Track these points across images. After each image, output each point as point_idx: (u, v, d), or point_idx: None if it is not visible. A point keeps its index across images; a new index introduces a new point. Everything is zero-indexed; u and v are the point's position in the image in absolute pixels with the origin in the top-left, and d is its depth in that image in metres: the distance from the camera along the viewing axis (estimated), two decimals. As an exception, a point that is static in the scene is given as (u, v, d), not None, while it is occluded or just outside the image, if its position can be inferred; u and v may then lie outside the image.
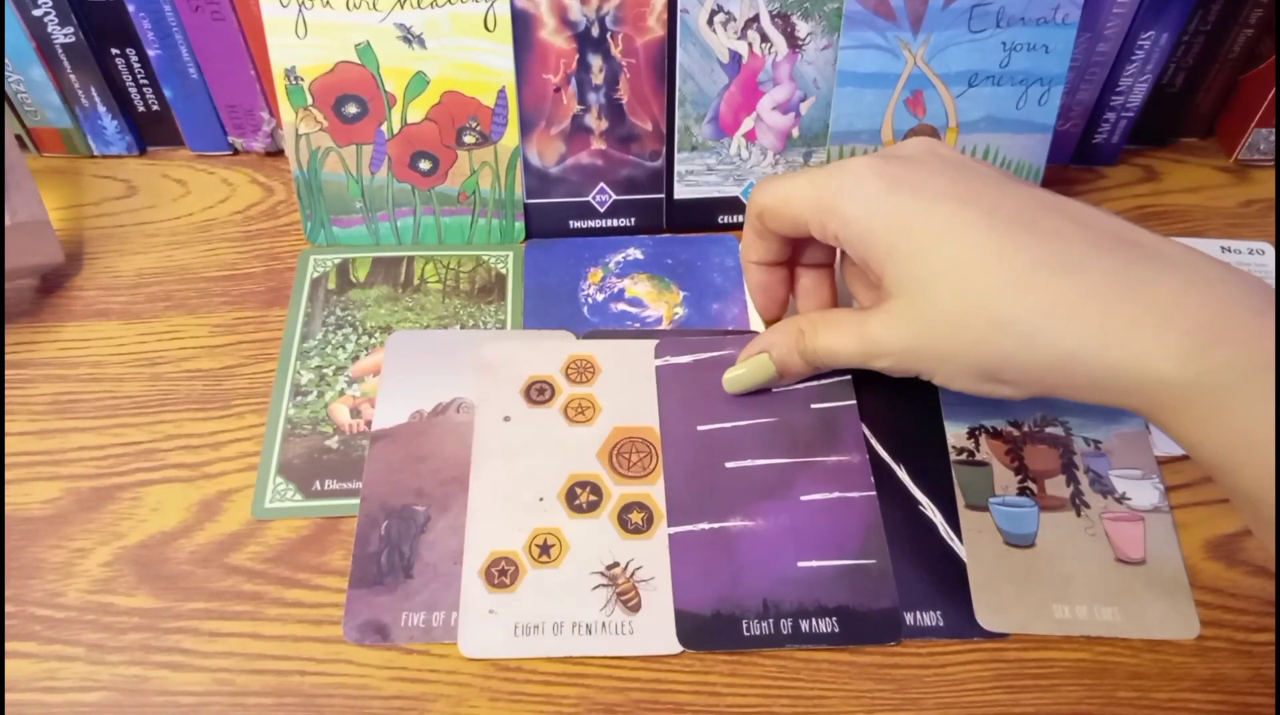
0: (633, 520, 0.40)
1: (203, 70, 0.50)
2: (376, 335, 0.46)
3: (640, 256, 0.50)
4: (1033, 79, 0.47)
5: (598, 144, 0.49)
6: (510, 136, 0.48)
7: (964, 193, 0.33)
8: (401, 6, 0.44)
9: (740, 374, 0.42)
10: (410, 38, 0.45)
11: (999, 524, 0.40)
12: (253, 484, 0.41)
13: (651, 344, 0.45)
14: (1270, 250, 0.50)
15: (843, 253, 0.41)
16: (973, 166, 0.35)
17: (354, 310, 0.47)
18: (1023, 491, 0.41)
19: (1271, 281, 0.49)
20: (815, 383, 0.44)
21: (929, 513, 0.41)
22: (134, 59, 0.50)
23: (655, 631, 0.37)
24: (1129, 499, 0.41)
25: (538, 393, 0.44)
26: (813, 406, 0.43)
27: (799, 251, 0.42)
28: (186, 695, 0.36)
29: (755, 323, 0.47)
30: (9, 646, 0.37)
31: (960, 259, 0.32)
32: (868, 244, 0.35)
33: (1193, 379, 0.29)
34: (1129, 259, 0.31)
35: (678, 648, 0.37)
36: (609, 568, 0.39)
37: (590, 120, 0.48)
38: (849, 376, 0.44)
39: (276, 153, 0.54)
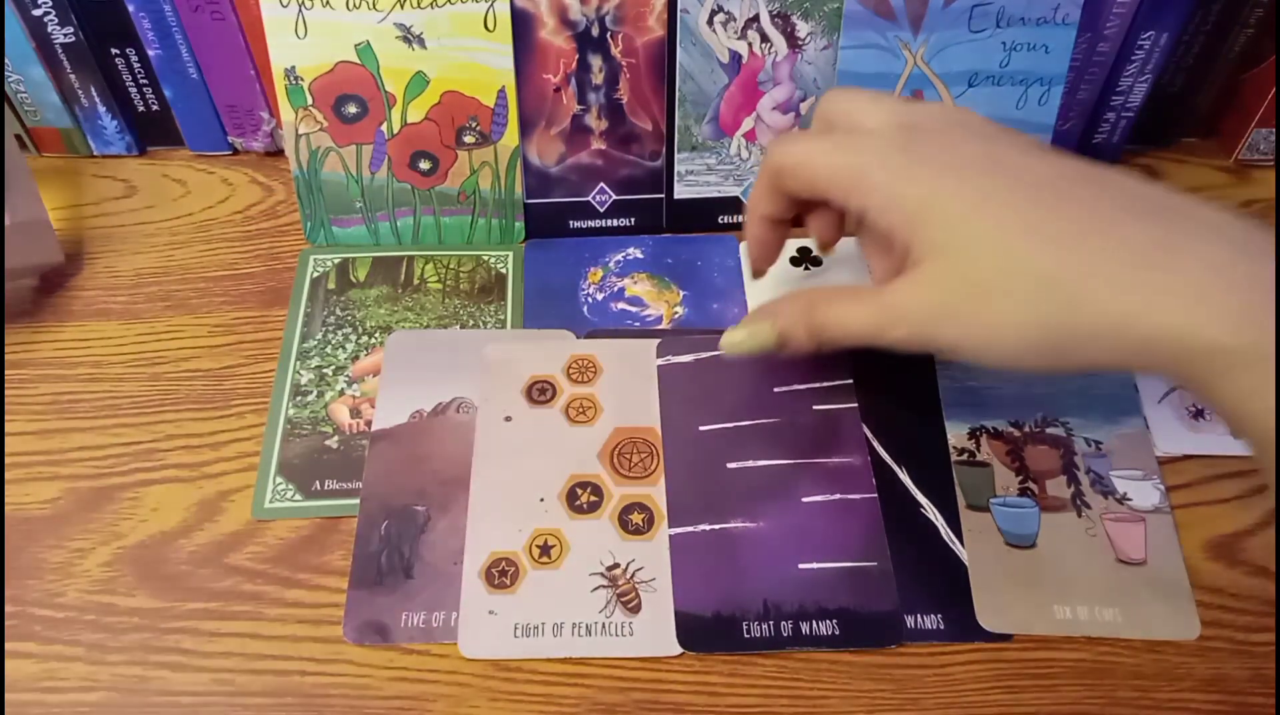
0: (633, 521, 0.40)
1: (203, 70, 0.50)
2: (376, 335, 0.46)
3: (640, 256, 0.50)
4: (1033, 79, 0.47)
5: (598, 144, 0.49)
6: (510, 136, 0.48)
7: (993, 161, 0.32)
8: (401, 6, 0.44)
9: (739, 339, 0.38)
10: (410, 38, 0.45)
11: (1000, 524, 0.40)
12: (253, 484, 0.41)
13: (653, 343, 0.45)
14: (1270, 250, 0.50)
15: (859, 219, 0.38)
16: (998, 134, 0.34)
17: (354, 310, 0.47)
18: (1024, 492, 0.41)
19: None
20: (817, 385, 0.44)
21: (930, 514, 0.41)
22: (134, 59, 0.50)
23: (655, 633, 0.37)
24: (1130, 499, 0.41)
25: (539, 393, 0.44)
26: (815, 408, 0.43)
27: (809, 206, 0.40)
28: (186, 695, 0.36)
29: (755, 323, 0.47)
30: (9, 646, 0.37)
31: (997, 225, 0.31)
32: (894, 216, 0.33)
33: (1246, 348, 0.27)
34: (1173, 226, 0.29)
35: (678, 649, 0.37)
36: (609, 569, 0.39)
37: (590, 120, 0.48)
38: (850, 380, 0.44)
39: (276, 153, 0.54)
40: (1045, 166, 0.32)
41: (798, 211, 0.40)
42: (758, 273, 0.43)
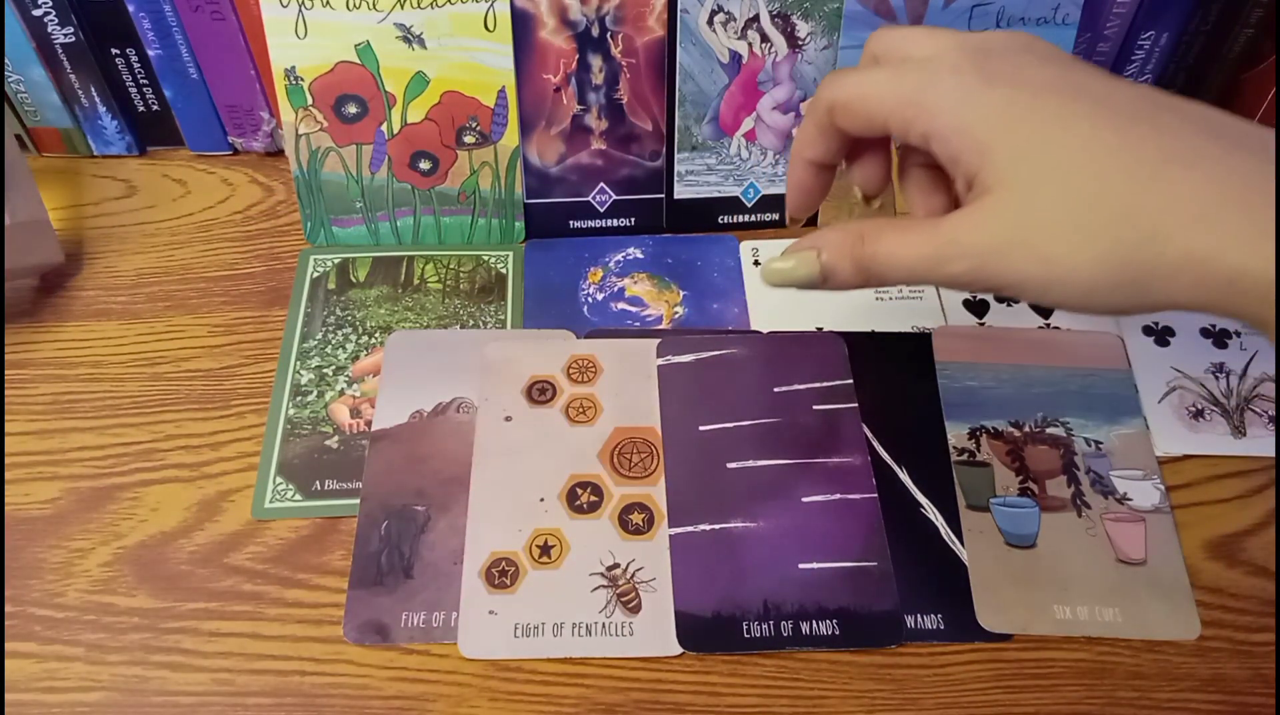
0: (633, 521, 0.40)
1: (203, 70, 0.50)
2: (376, 335, 0.46)
3: (640, 256, 0.50)
4: (1033, 79, 0.47)
5: (598, 144, 0.49)
6: (510, 136, 0.48)
7: (1071, 86, 0.30)
8: (401, 6, 0.44)
9: (784, 267, 0.35)
10: (410, 38, 0.45)
11: (1000, 525, 0.40)
12: (253, 484, 0.41)
13: (653, 343, 0.45)
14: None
15: (902, 159, 0.37)
16: (1072, 60, 0.32)
17: (354, 310, 0.47)
18: (1024, 492, 0.41)
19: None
20: (817, 384, 0.44)
21: (930, 514, 0.41)
22: (134, 59, 0.50)
23: (655, 633, 0.37)
24: (1130, 499, 0.41)
25: (539, 392, 0.44)
26: (815, 408, 0.43)
27: (856, 151, 0.37)
28: (186, 695, 0.36)
29: (756, 322, 0.47)
30: (9, 646, 0.37)
31: (1078, 151, 0.29)
32: (961, 141, 0.30)
33: None
34: (1263, 159, 0.27)
35: (678, 649, 0.37)
36: (609, 569, 0.39)
37: (590, 120, 0.48)
38: (850, 380, 0.44)
39: (276, 153, 0.54)
40: (1125, 93, 0.30)
41: (845, 154, 0.37)
42: (794, 221, 0.41)
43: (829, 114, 0.34)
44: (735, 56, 0.47)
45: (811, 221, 0.50)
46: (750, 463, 0.42)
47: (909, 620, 0.38)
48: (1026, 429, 0.43)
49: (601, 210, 0.51)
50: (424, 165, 0.48)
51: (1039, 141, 0.29)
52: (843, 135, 0.35)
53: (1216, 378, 0.45)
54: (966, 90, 0.30)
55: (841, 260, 0.34)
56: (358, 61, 0.46)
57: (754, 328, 0.47)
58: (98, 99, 0.51)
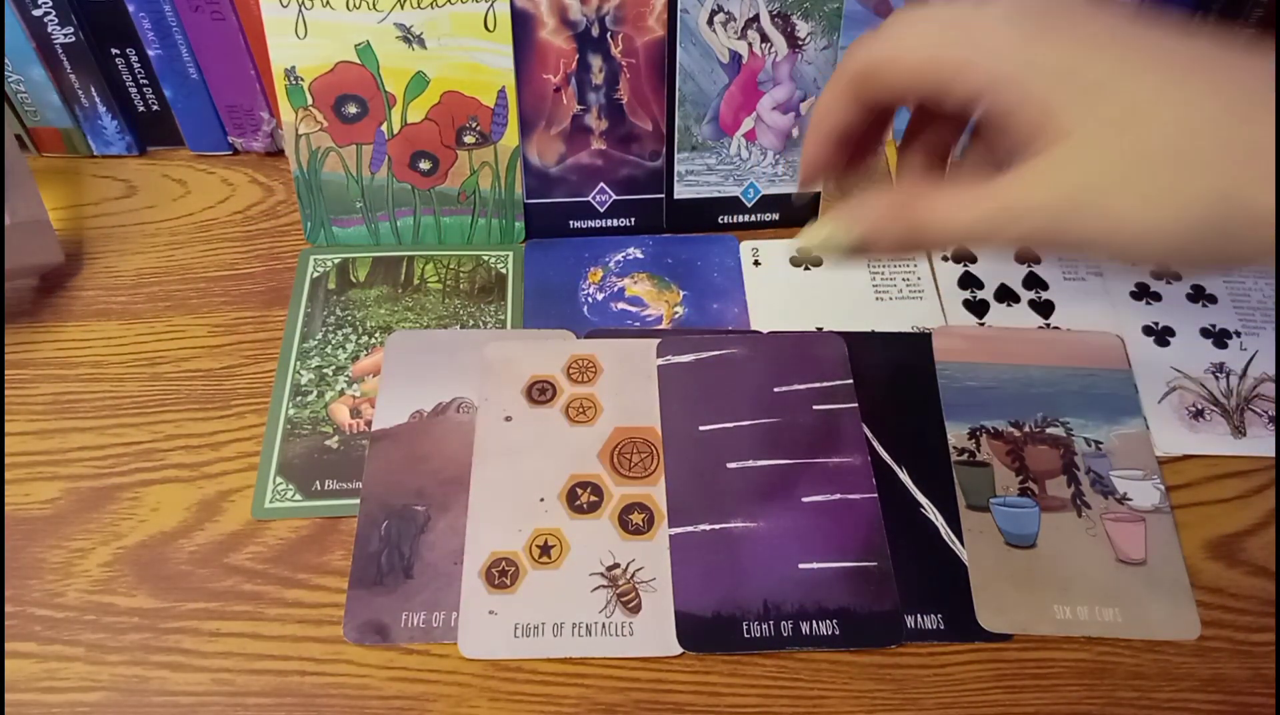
0: (633, 521, 0.40)
1: (203, 70, 0.50)
2: (376, 335, 0.46)
3: (640, 256, 0.50)
4: (1033, 79, 0.47)
5: (598, 144, 0.49)
6: (510, 136, 0.48)
7: (1132, 35, 0.28)
8: (401, 6, 0.44)
9: (824, 235, 0.32)
10: (410, 38, 0.45)
11: (1000, 525, 0.40)
12: (253, 484, 0.41)
13: (653, 343, 0.45)
14: (1271, 250, 0.50)
15: (910, 129, 0.35)
16: (1126, 10, 0.29)
17: (354, 310, 0.47)
18: (1024, 492, 0.41)
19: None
20: (817, 384, 0.44)
21: (930, 514, 0.41)
22: (134, 59, 0.50)
23: (655, 633, 0.37)
24: (1130, 499, 0.41)
25: (539, 392, 0.44)
26: (815, 408, 0.43)
27: (863, 143, 0.35)
28: (186, 695, 0.36)
29: (756, 322, 0.47)
30: (9, 646, 0.37)
31: (1145, 103, 0.27)
32: (1019, 93, 0.28)
33: None
34: None
35: (678, 649, 0.37)
36: (609, 569, 0.39)
37: (590, 120, 0.48)
38: (850, 380, 0.44)
39: (276, 153, 0.54)
40: (1188, 44, 0.28)
41: (869, 125, 0.34)
42: (804, 184, 0.38)
43: (859, 78, 0.32)
44: (735, 56, 0.47)
45: (812, 214, 0.50)
46: (750, 463, 0.42)
47: (909, 620, 0.38)
48: (1026, 429, 0.43)
49: (601, 210, 0.51)
50: (424, 165, 0.48)
51: (1104, 93, 0.27)
52: (866, 104, 0.32)
53: (1216, 378, 0.45)
54: (1023, 39, 0.28)
55: (888, 226, 0.31)
56: (358, 61, 0.46)
57: (754, 328, 0.47)
58: (98, 99, 0.51)
